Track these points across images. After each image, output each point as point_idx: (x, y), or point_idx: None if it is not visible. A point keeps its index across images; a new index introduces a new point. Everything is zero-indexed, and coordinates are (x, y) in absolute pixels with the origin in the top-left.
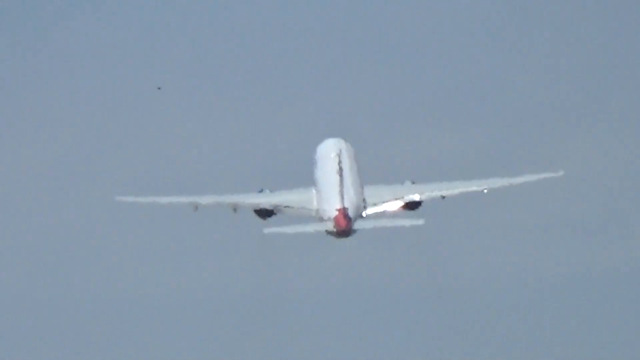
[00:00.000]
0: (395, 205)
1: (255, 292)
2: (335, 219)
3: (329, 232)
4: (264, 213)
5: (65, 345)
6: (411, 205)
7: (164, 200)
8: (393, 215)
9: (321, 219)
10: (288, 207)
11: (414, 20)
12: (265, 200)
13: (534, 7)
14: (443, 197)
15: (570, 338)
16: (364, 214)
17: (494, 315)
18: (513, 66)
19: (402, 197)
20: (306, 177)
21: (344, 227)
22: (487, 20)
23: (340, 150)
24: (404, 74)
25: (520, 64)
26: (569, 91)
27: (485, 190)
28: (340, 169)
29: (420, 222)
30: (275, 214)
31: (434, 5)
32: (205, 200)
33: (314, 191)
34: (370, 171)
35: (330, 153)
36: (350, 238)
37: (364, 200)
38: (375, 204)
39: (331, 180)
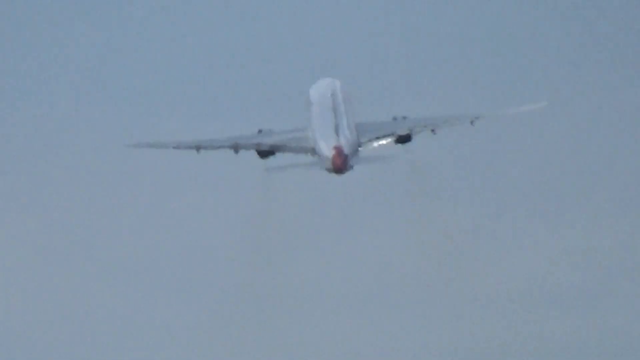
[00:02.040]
0: (388, 140)
1: (258, 228)
2: (332, 157)
3: (326, 169)
4: (264, 153)
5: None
6: (403, 139)
7: (167, 143)
8: (386, 149)
9: (318, 157)
10: (286, 146)
11: None
12: (265, 140)
13: None
14: (433, 131)
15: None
16: (358, 150)
17: (488, 243)
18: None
19: (394, 132)
20: (302, 117)
21: (340, 165)
22: None
23: (334, 89)
24: (391, 12)
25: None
26: (553, 22)
27: (472, 122)
28: (335, 108)
29: (412, 155)
30: (274, 153)
31: None
32: (208, 142)
33: (310, 130)
34: (363, 108)
35: (325, 92)
36: (346, 174)
37: (357, 136)
38: (368, 140)
39: (326, 119)
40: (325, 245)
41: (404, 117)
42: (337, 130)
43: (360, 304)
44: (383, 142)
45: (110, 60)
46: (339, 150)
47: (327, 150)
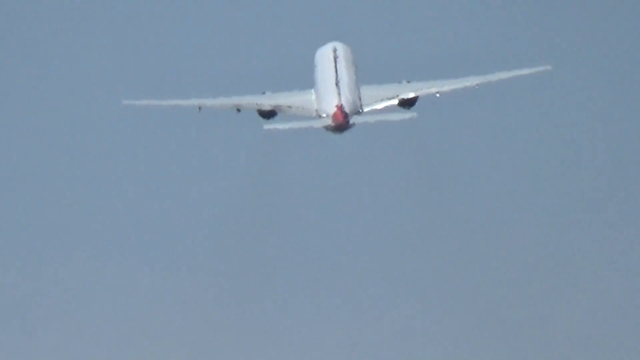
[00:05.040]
0: (392, 102)
1: (257, 187)
2: (333, 114)
3: (327, 128)
4: (266, 114)
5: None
6: (407, 102)
7: (169, 102)
8: (389, 111)
9: (320, 117)
10: (289, 107)
11: None
12: (267, 101)
13: None
14: (437, 94)
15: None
16: (361, 111)
17: (483, 205)
18: None
19: (398, 95)
20: (307, 80)
21: (341, 121)
22: None
23: (337, 51)
24: None
25: None
26: None
27: (477, 86)
28: (337, 69)
29: (413, 115)
30: (276, 114)
31: None
32: (210, 101)
33: (313, 92)
34: (369, 72)
35: (328, 55)
36: (347, 132)
37: (360, 98)
38: (372, 102)
39: (329, 80)
40: (321, 207)
41: (409, 81)
42: (338, 90)
43: (351, 270)
44: (387, 104)
45: (113, 18)
46: (340, 108)
47: (328, 108)
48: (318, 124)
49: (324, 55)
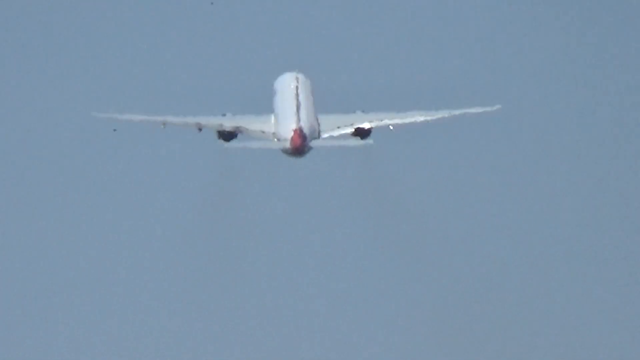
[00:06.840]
0: (348, 130)
1: (212, 203)
2: (291, 138)
3: (284, 151)
4: (226, 135)
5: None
6: (362, 132)
7: (136, 117)
8: (345, 138)
9: (278, 140)
10: (248, 129)
11: None
12: (229, 122)
13: None
14: (391, 126)
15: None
16: (318, 137)
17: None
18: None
19: (353, 124)
20: (266, 105)
21: (299, 145)
22: None
23: (297, 81)
24: (357, 9)
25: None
26: (511, 25)
27: (428, 121)
28: (297, 96)
29: (370, 142)
30: (236, 136)
31: None
32: (174, 119)
33: (272, 117)
34: (325, 102)
35: (288, 83)
36: (304, 157)
37: (318, 124)
38: (329, 129)
39: (289, 106)
40: (273, 226)
41: (364, 111)
42: (297, 115)
43: (299, 292)
44: (343, 131)
45: (95, 39)
46: (298, 132)
47: (287, 132)
48: (276, 145)
49: (285, 82)
